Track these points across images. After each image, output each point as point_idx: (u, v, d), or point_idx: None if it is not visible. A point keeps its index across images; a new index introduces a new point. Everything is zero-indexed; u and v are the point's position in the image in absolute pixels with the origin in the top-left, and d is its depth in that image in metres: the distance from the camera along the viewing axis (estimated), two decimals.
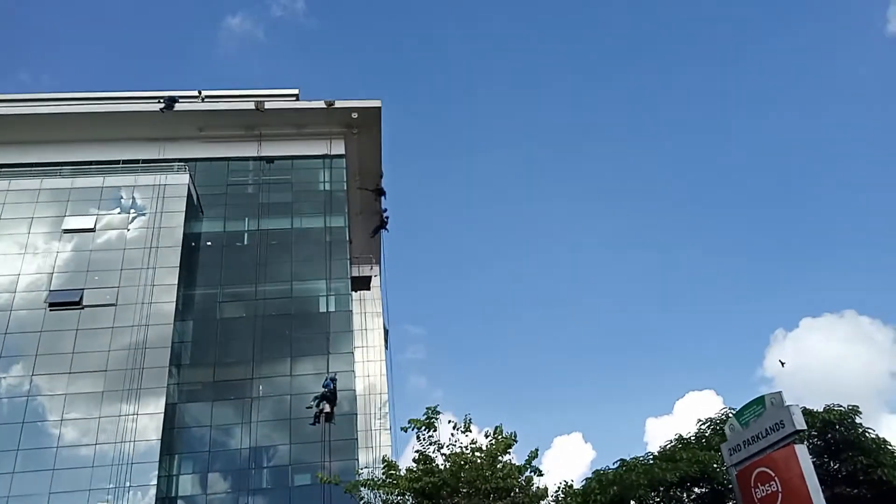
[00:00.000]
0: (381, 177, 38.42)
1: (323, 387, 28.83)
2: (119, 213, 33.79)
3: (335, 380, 29.14)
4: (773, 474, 15.11)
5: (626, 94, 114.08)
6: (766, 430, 15.57)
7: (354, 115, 36.93)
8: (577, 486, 21.79)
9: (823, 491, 14.58)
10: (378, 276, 43.13)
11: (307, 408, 28.99)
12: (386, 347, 42.77)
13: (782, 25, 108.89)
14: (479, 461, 18.71)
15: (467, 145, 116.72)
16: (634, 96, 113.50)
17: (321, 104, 37.05)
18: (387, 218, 37.18)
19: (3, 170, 34.67)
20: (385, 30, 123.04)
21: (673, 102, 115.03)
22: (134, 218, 33.57)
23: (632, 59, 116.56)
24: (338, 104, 36.91)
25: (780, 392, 15.75)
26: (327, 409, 28.52)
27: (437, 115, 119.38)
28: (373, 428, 38.64)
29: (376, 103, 37.22)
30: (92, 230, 33.03)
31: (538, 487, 20.06)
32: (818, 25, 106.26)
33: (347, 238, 35.70)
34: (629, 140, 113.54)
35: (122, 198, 34.23)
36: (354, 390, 32.14)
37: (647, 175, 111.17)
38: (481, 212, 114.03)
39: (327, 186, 36.81)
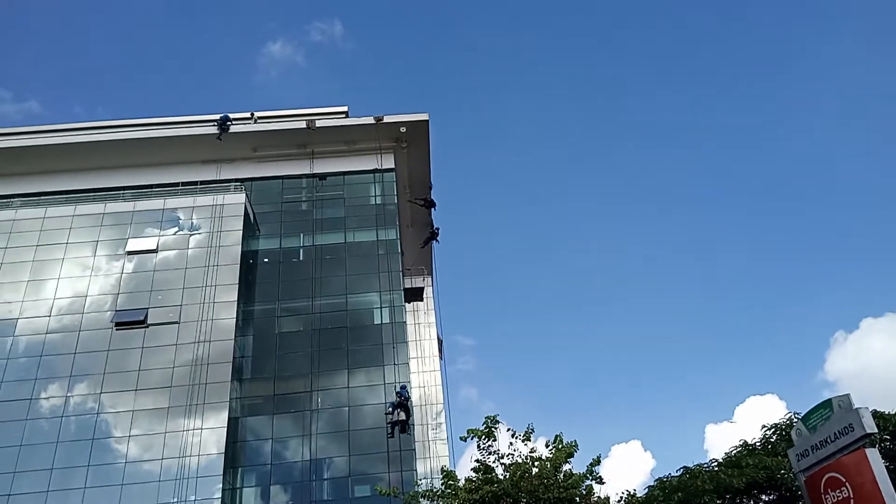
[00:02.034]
0: (431, 188, 38.74)
1: (397, 395, 29.34)
2: (179, 234, 34.76)
3: (406, 388, 29.64)
4: (844, 480, 14.68)
5: (668, 98, 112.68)
6: (835, 434, 15.14)
7: (403, 129, 37.38)
8: (638, 495, 21.50)
9: None
10: (430, 287, 43.38)
11: (386, 413, 29.48)
12: (440, 358, 42.96)
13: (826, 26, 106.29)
14: (539, 470, 18.57)
15: (512, 153, 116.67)
16: (677, 99, 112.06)
17: (370, 120, 37.59)
18: (437, 229, 37.42)
19: (69, 195, 36.10)
20: (420, 48, 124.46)
21: (719, 103, 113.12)
22: (193, 238, 34.50)
23: (672, 63, 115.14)
24: (386, 119, 37.40)
25: (847, 395, 15.32)
26: (402, 417, 28.93)
27: (480, 125, 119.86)
28: (428, 438, 38.77)
29: (424, 116, 37.62)
30: (154, 251, 34.05)
31: (599, 497, 19.80)
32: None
33: (400, 250, 36.01)
34: (674, 142, 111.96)
35: (181, 219, 35.24)
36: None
37: (697, 175, 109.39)
38: (528, 219, 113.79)
39: (378, 200, 37.24)
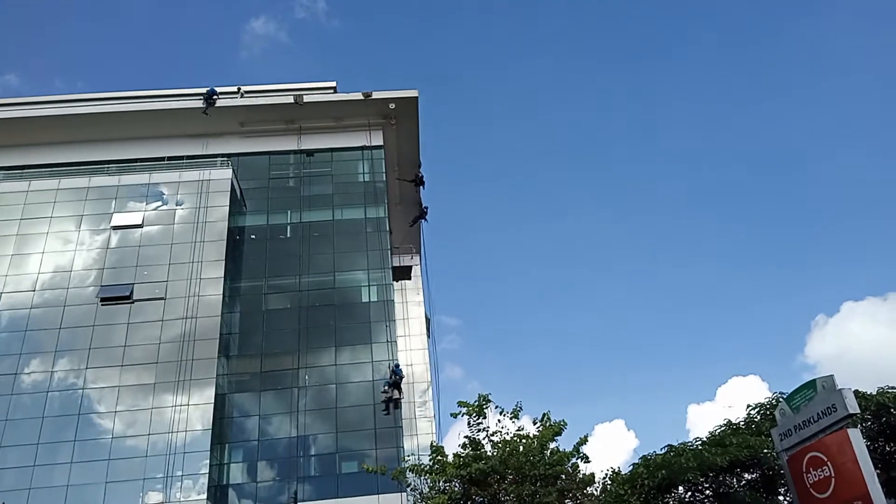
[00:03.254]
0: (420, 166, 38.52)
1: (394, 374, 29.82)
2: (165, 209, 34.43)
3: (399, 366, 30.25)
4: (826, 459, 14.92)
5: (656, 69, 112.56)
6: (818, 414, 15.38)
7: (392, 106, 37.05)
8: (622, 473, 21.77)
9: (879, 475, 14.39)
10: (419, 266, 43.34)
11: (382, 391, 29.90)
12: (428, 336, 43.03)
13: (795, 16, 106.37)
14: (526, 448, 18.74)
15: (500, 130, 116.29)
16: (659, 84, 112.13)
17: (359, 96, 37.23)
18: (426, 208, 37.30)
19: (53, 169, 35.63)
20: (406, 26, 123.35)
21: (714, 71, 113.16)
22: (179, 213, 34.19)
23: (663, 36, 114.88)
24: (375, 95, 37.05)
25: (831, 375, 15.54)
26: (396, 395, 29.51)
27: (467, 102, 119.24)
28: (415, 416, 38.97)
29: (413, 93, 37.30)
30: (139, 226, 33.73)
31: (584, 474, 20.05)
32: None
33: (388, 228, 35.89)
34: (664, 112, 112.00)
35: (167, 193, 34.89)
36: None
37: (679, 158, 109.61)
38: (515, 196, 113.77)
39: (367, 177, 37.00)
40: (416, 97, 37.19)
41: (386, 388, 29.77)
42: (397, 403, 29.52)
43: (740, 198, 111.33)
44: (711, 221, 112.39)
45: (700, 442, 21.36)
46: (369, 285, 34.03)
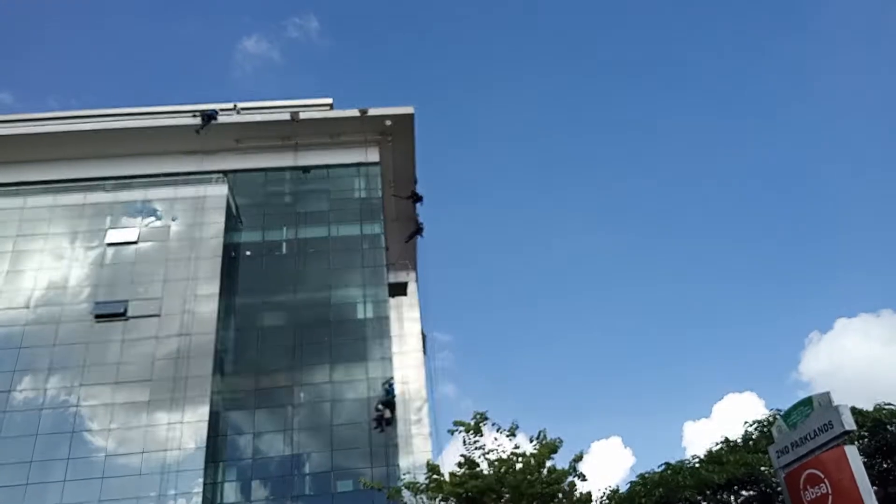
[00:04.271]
0: (416, 183, 38.59)
1: (386, 392, 29.89)
2: (160, 225, 34.38)
3: (393, 384, 30.25)
4: (823, 476, 14.92)
5: (653, 91, 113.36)
6: (815, 431, 15.39)
7: (388, 123, 37.11)
8: (620, 490, 21.67)
9: (876, 492, 14.37)
10: (415, 282, 43.29)
11: (376, 409, 29.84)
12: (424, 353, 42.90)
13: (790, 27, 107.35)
14: (523, 466, 18.65)
15: (495, 148, 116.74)
16: (656, 101, 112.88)
17: (355, 113, 37.28)
18: (422, 224, 37.34)
19: (48, 185, 35.55)
20: (399, 45, 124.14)
21: (695, 100, 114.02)
22: (175, 229, 34.15)
23: (657, 58, 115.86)
24: (371, 112, 37.12)
25: (828, 392, 15.56)
26: (388, 414, 29.52)
27: (461, 121, 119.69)
28: (411, 434, 38.76)
29: (409, 110, 37.37)
30: (134, 242, 33.69)
31: (582, 493, 19.93)
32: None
33: (384, 245, 35.87)
34: (657, 135, 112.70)
35: (162, 210, 34.86)
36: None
37: (677, 168, 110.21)
38: (511, 214, 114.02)
39: (363, 194, 37.00)
40: (412, 114, 37.28)
41: (379, 406, 29.68)
42: (389, 422, 29.38)
43: (734, 215, 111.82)
44: (706, 239, 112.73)
45: (697, 460, 21.31)
46: (365, 302, 33.93)
